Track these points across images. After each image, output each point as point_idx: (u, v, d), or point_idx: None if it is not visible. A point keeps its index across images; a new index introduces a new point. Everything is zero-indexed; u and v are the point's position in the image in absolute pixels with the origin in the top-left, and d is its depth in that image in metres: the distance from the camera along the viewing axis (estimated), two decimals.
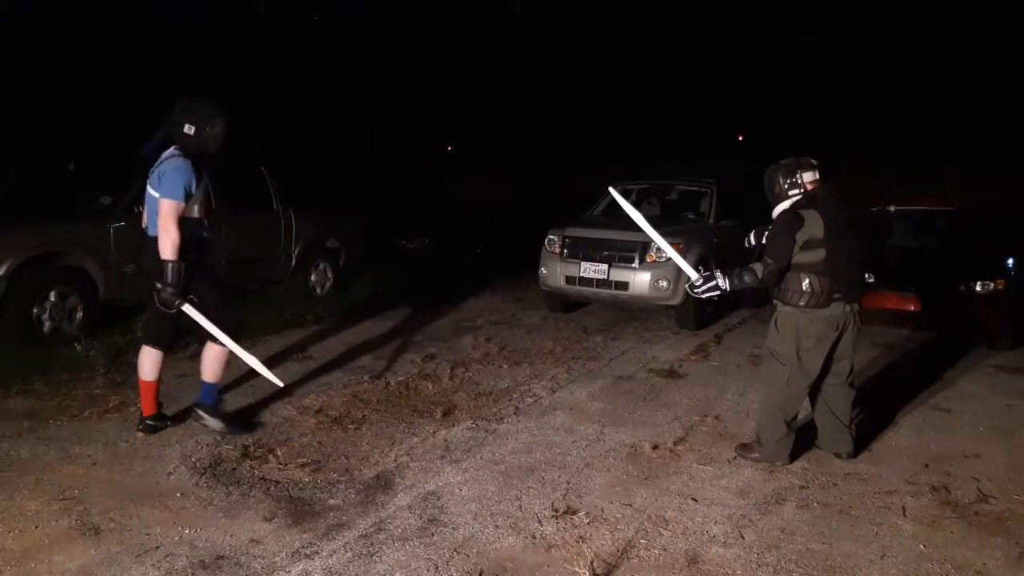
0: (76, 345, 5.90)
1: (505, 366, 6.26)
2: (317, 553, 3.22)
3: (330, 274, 8.91)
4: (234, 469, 4.04)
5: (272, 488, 3.83)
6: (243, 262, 7.46)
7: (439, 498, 3.77)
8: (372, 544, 3.30)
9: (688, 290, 4.45)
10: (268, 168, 8.20)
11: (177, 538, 3.31)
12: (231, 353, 4.41)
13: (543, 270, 8.21)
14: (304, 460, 4.18)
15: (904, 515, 3.74)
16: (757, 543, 3.42)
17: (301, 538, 3.34)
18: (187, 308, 4.18)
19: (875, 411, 5.06)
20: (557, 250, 8.10)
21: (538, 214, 10.19)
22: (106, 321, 6.55)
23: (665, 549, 3.34)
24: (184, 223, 4.12)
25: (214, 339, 4.34)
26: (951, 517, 3.73)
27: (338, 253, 9.02)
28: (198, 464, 4.07)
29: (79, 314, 6.44)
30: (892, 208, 8.63)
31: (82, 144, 9.55)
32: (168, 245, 4.04)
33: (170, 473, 3.97)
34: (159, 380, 4.50)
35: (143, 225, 4.38)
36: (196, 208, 4.24)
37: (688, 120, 20.83)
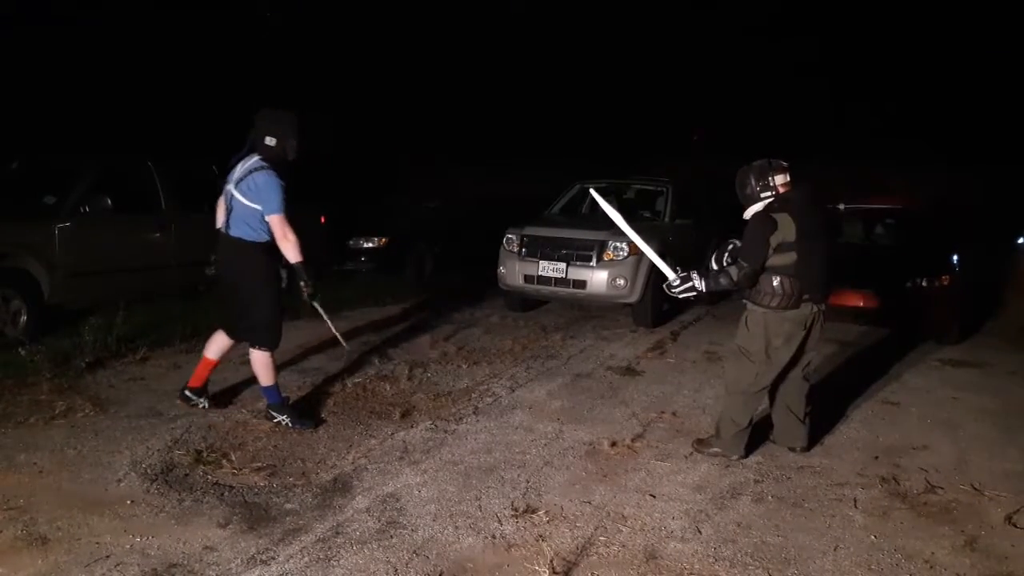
0: (20, 350, 5.71)
1: (464, 366, 6.24)
2: (273, 559, 3.17)
3: (284, 275, 8.74)
4: (186, 475, 3.95)
5: (226, 493, 3.75)
6: (194, 263, 7.30)
7: (398, 500, 3.74)
8: (330, 548, 3.26)
9: (665, 289, 4.47)
10: (218, 166, 8.03)
11: (128, 546, 3.23)
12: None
13: (501, 269, 8.22)
14: (259, 464, 4.11)
15: (856, 507, 3.82)
16: (714, 537, 3.46)
17: (257, 544, 3.28)
18: (316, 305, 4.71)
19: (826, 405, 5.18)
20: (515, 249, 8.11)
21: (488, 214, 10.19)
22: (52, 325, 6.36)
23: (624, 545, 3.36)
24: (265, 225, 4.45)
25: (254, 346, 4.63)
26: (901, 508, 3.83)
27: None
28: (149, 470, 3.97)
29: (23, 317, 6.25)
30: (842, 206, 8.84)
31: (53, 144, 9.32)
32: (292, 250, 4.44)
33: (120, 480, 3.86)
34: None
35: (218, 227, 4.60)
36: None
37: (647, 119, 21.00)
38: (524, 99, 20.63)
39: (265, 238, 4.48)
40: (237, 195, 4.44)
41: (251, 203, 4.40)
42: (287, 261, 4.53)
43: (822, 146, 17.09)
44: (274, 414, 4.68)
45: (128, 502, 3.62)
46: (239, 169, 4.48)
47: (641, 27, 21.80)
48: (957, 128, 18.33)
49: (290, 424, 4.63)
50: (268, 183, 4.38)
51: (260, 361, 4.66)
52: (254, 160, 4.46)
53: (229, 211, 4.50)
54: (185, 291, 7.44)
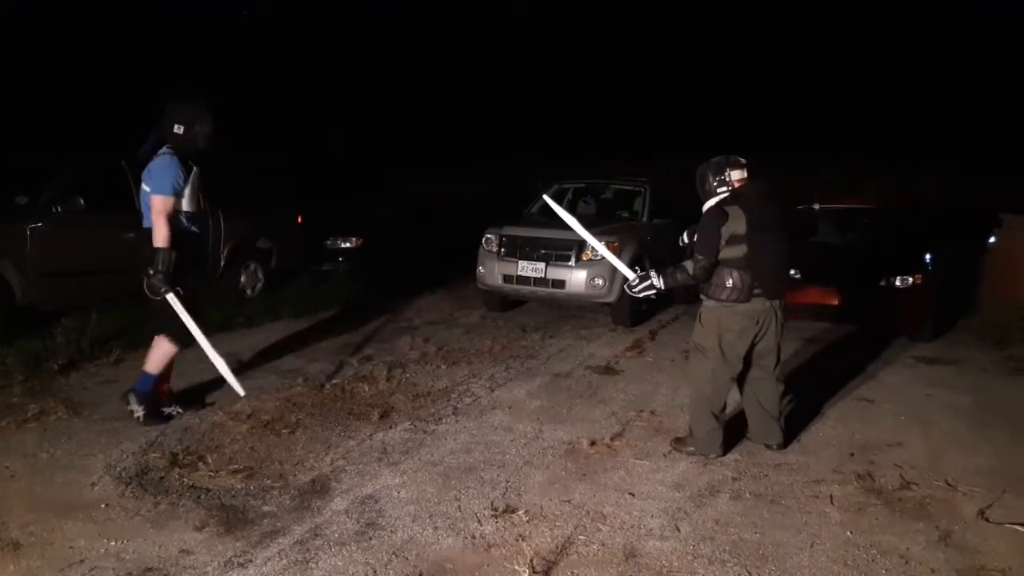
0: None
1: (443, 366, 6.23)
2: (251, 561, 3.14)
3: (261, 275, 8.70)
4: (162, 478, 3.91)
5: (203, 496, 3.72)
6: None
7: (377, 501, 3.72)
8: (308, 550, 3.24)
9: (626, 289, 4.53)
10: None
11: (103, 551, 3.18)
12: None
13: (481, 269, 8.21)
14: (236, 467, 4.07)
15: (832, 503, 3.86)
16: (692, 535, 3.48)
17: (234, 547, 3.25)
18: (171, 298, 4.39)
19: (802, 403, 5.23)
20: (495, 249, 8.11)
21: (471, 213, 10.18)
22: (24, 326, 6.25)
23: (603, 544, 3.37)
24: (175, 216, 4.39)
25: (171, 336, 4.51)
26: (876, 504, 3.87)
27: (269, 253, 8.82)
28: (124, 474, 3.92)
29: None
30: (817, 206, 8.93)
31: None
32: (159, 235, 4.31)
33: (94, 484, 3.81)
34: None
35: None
36: (185, 202, 4.47)
37: (622, 120, 21.11)
38: (510, 102, 20.69)
39: (176, 228, 4.41)
40: (144, 186, 4.43)
41: (147, 187, 4.37)
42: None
43: (812, 146, 17.22)
44: (131, 400, 4.57)
45: (102, 506, 3.58)
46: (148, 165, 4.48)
47: (624, 29, 21.90)
48: (947, 131, 18.56)
49: (140, 419, 4.53)
50: (163, 165, 4.37)
51: (160, 348, 4.58)
52: (163, 149, 4.45)
53: (143, 204, 4.50)
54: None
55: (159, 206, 4.32)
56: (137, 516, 3.50)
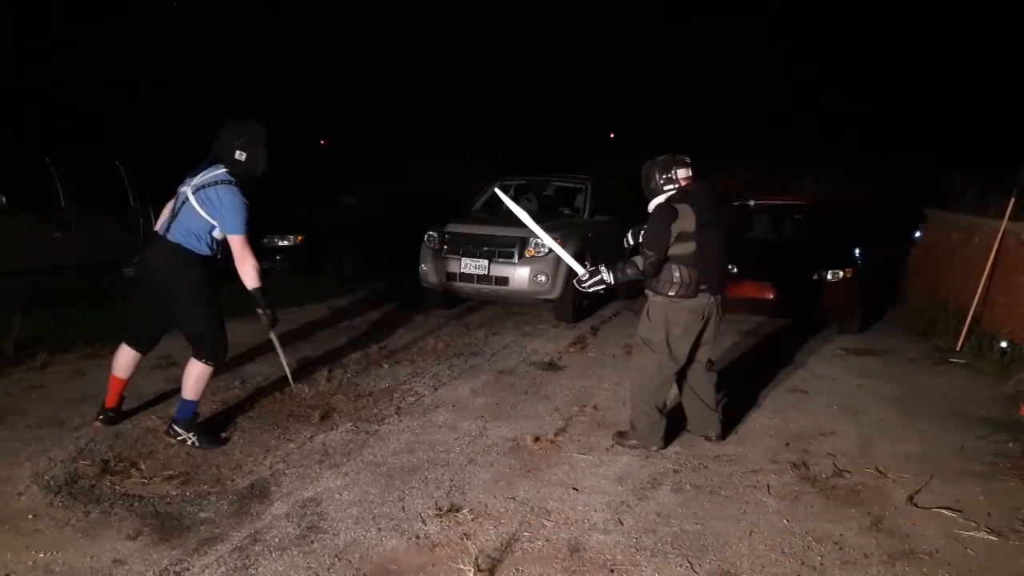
0: None
1: (385, 365, 6.17)
2: (188, 570, 3.05)
3: None
4: (93, 486, 3.77)
5: (136, 504, 3.60)
6: (97, 264, 6.98)
7: (318, 504, 3.67)
8: (247, 557, 3.16)
9: (576, 285, 4.56)
10: (124, 162, 7.71)
11: (31, 563, 3.06)
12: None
13: (423, 267, 8.16)
14: (171, 472, 3.95)
15: (769, 492, 3.96)
16: (635, 528, 3.53)
17: (170, 555, 3.16)
18: (274, 335, 4.60)
19: (740, 394, 5.36)
20: (437, 246, 8.07)
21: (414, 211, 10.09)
22: None
23: (548, 540, 3.39)
24: (224, 239, 4.23)
25: (199, 358, 4.32)
26: (811, 492, 3.98)
27: None
28: (52, 483, 3.77)
29: None
30: (752, 203, 9.15)
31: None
32: (251, 274, 4.21)
33: (20, 494, 3.66)
34: (129, 379, 4.58)
35: (155, 228, 4.35)
36: None
37: (562, 118, 21.30)
38: (458, 99, 20.64)
39: (205, 252, 4.20)
40: (193, 202, 4.14)
41: (206, 215, 4.13)
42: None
43: (739, 144, 17.62)
44: (179, 430, 4.32)
45: (30, 516, 3.43)
46: (200, 176, 4.20)
47: (571, 33, 22.09)
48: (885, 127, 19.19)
49: (196, 443, 4.30)
50: (232, 201, 4.12)
51: (195, 373, 4.31)
52: (221, 172, 4.19)
53: (175, 215, 4.21)
54: (88, 294, 7.10)
55: (240, 244, 4.14)
56: (67, 526, 3.37)
